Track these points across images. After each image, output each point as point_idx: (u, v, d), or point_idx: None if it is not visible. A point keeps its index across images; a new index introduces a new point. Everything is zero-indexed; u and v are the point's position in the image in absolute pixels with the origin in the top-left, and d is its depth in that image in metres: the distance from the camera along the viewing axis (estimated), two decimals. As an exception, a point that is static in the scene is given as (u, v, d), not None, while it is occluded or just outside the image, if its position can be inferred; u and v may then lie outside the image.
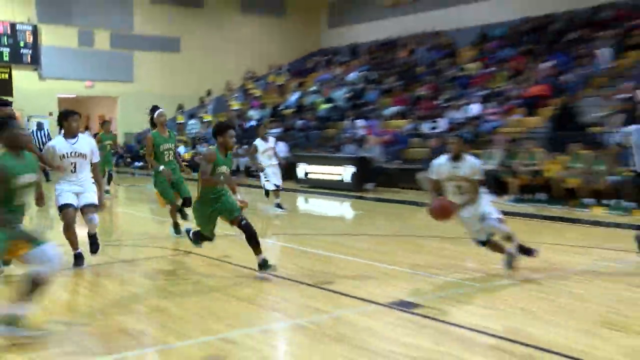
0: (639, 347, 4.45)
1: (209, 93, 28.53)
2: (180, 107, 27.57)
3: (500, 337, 4.64)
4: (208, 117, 26.43)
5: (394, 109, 19.91)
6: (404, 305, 5.39)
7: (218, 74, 28.43)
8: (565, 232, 10.34)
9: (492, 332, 4.74)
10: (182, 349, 4.43)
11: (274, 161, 12.45)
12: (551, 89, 16.37)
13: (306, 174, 17.32)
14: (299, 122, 21.40)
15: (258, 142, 12.42)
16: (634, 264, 7.35)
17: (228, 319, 5.12)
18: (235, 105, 27.11)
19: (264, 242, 8.71)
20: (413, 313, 5.23)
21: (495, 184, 14.00)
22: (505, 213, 12.43)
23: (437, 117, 17.81)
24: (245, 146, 21.28)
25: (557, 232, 10.36)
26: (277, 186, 12.41)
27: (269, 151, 12.39)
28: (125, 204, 15.22)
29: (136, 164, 27.60)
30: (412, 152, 17.51)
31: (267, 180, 12.31)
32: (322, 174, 16.85)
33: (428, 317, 5.13)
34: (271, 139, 12.85)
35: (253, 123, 23.62)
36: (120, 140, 29.45)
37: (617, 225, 10.64)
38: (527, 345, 4.46)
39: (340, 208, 14.12)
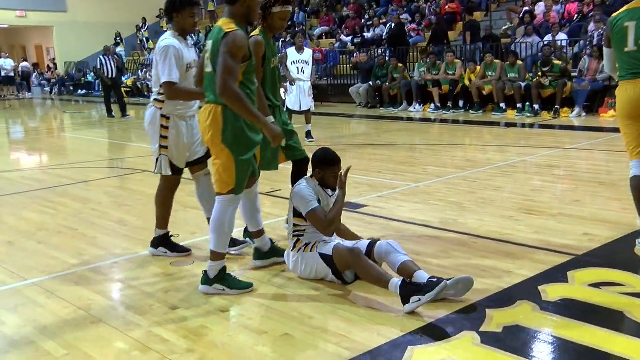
0: (547, 225, 4.76)
1: (144, 21, 27.21)
2: (117, 36, 26.26)
3: (436, 228, 4.80)
4: (150, 45, 25.34)
5: (321, 29, 19.59)
6: (350, 206, 5.48)
7: (152, 1, 27.07)
8: (484, 134, 10.67)
9: (429, 224, 4.90)
10: (150, 257, 4.40)
11: (304, 77, 9.56)
12: (462, 5, 16.41)
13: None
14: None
15: (290, 50, 9.83)
16: (542, 158, 7.69)
17: (189, 227, 5.10)
18: (171, 31, 26.00)
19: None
20: (359, 212, 5.33)
21: (422, 93, 14.18)
22: (429, 120, 12.82)
23: (361, 34, 17.65)
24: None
25: (477, 134, 10.68)
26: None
27: (299, 64, 9.60)
28: (74, 129, 14.65)
29: (79, 91, 26.42)
30: (340, 69, 17.42)
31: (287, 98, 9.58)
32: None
33: (372, 215, 5.25)
34: (307, 51, 9.81)
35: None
36: (61, 69, 27.97)
37: (528, 126, 11.06)
38: (459, 232, 4.65)
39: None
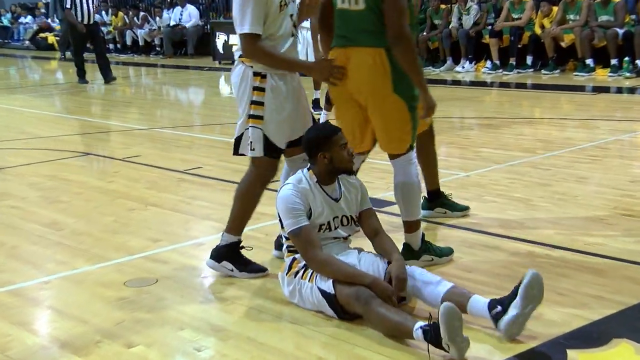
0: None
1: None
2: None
3: (494, 234, 4.79)
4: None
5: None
6: (374, 203, 5.43)
7: None
8: (561, 103, 10.62)
9: (484, 229, 4.89)
10: (95, 273, 4.41)
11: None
12: None
13: (226, 46, 17.03)
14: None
15: None
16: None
17: (151, 232, 5.11)
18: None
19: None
20: (384, 212, 5.29)
21: (473, 47, 14.09)
22: (484, 84, 12.76)
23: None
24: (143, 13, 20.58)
25: (551, 103, 10.63)
26: None
27: None
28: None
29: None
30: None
31: None
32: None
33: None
34: None
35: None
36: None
37: (627, 91, 11.00)
38: (527, 241, 4.63)
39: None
